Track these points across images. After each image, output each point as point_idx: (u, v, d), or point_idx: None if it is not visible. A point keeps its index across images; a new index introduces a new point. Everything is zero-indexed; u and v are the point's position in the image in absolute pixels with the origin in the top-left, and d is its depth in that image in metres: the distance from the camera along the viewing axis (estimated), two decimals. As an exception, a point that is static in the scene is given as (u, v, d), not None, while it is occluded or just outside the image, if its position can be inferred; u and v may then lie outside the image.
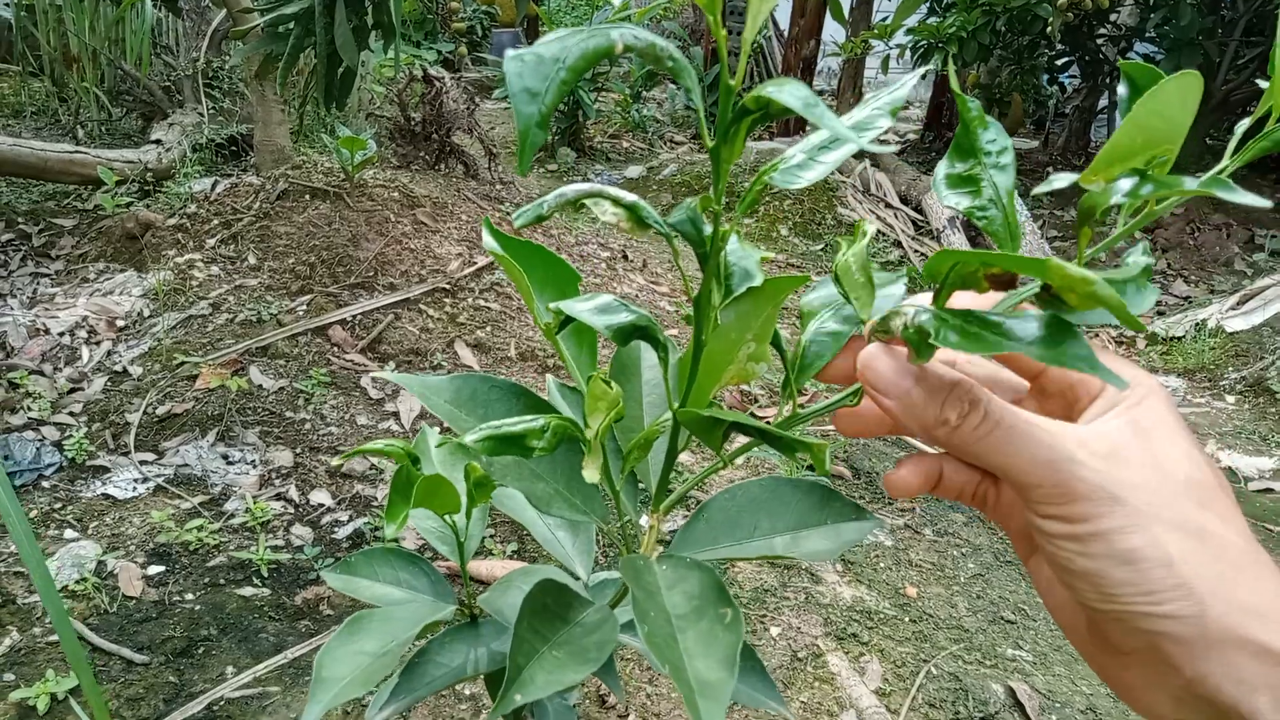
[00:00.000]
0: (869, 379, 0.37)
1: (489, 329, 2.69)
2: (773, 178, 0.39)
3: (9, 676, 1.47)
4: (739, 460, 2.31)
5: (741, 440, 0.50)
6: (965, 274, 0.37)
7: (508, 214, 3.48)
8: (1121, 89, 0.44)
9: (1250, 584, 0.32)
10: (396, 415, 2.30)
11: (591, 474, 0.50)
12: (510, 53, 0.30)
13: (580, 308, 0.46)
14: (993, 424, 0.34)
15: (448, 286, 2.81)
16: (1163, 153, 0.37)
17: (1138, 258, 0.38)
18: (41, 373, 2.31)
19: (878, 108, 0.37)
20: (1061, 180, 0.37)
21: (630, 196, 0.42)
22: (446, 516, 0.62)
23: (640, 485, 0.60)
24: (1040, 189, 0.37)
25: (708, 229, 0.42)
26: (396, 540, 1.87)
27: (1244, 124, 0.41)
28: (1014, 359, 0.39)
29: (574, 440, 0.50)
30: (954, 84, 0.44)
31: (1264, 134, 0.38)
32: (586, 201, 0.41)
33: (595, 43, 0.31)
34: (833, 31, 7.12)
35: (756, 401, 2.63)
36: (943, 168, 0.47)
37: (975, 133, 0.46)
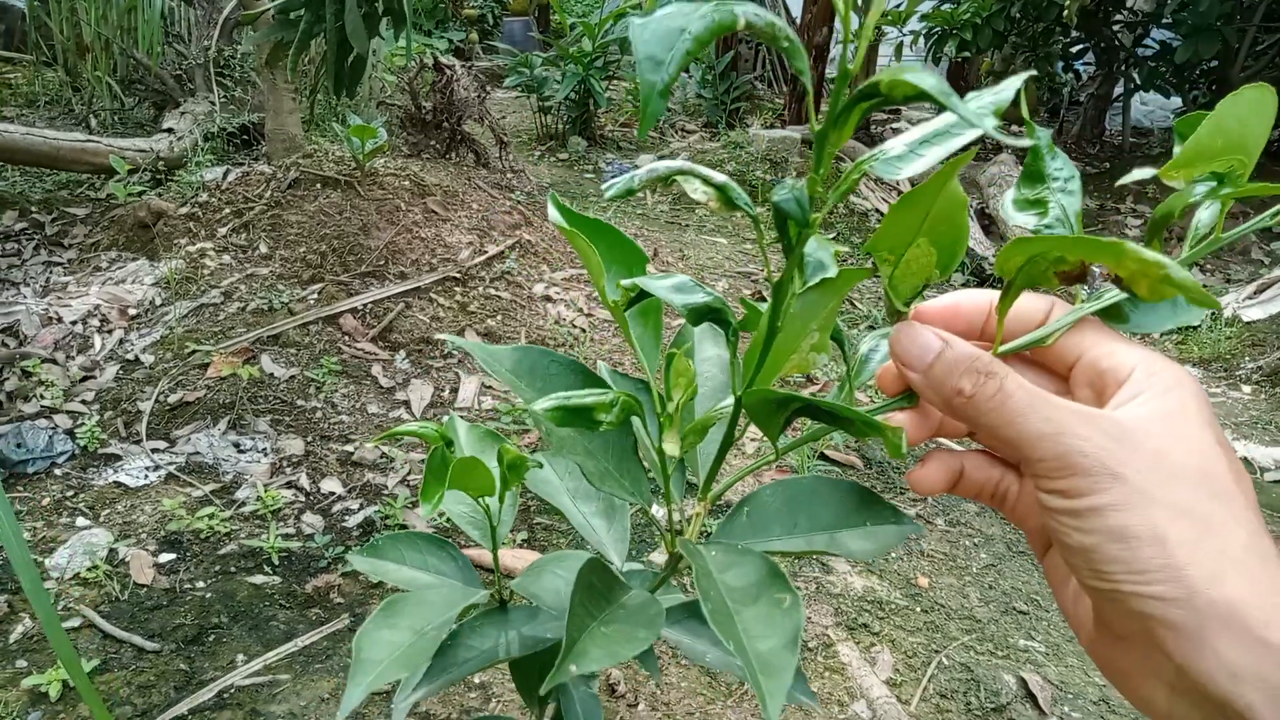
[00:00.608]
0: (897, 353, 0.39)
1: (500, 318, 2.69)
2: (873, 166, 0.40)
3: (21, 663, 1.48)
4: (749, 450, 2.30)
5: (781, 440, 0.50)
6: (1035, 272, 0.38)
7: (519, 203, 3.47)
8: (1178, 147, 0.45)
9: (1250, 576, 0.31)
10: (407, 404, 2.30)
11: (673, 447, 0.51)
12: (637, 21, 0.32)
13: (658, 284, 0.47)
14: (1005, 395, 0.35)
15: (458, 275, 2.80)
16: (1239, 165, 0.38)
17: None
18: (54, 361, 2.32)
19: (981, 106, 0.37)
20: (1141, 173, 0.38)
21: (720, 177, 0.43)
22: (479, 500, 0.62)
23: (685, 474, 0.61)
24: (1125, 180, 0.38)
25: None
26: (405, 528, 1.87)
27: None
28: (1048, 350, 0.40)
29: (629, 423, 0.51)
30: (1024, 112, 0.45)
31: None
32: (678, 178, 0.42)
33: (720, 16, 0.33)
34: (845, 18, 7.06)
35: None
36: (1012, 194, 0.48)
37: (1043, 161, 0.47)
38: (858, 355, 0.54)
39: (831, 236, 4.33)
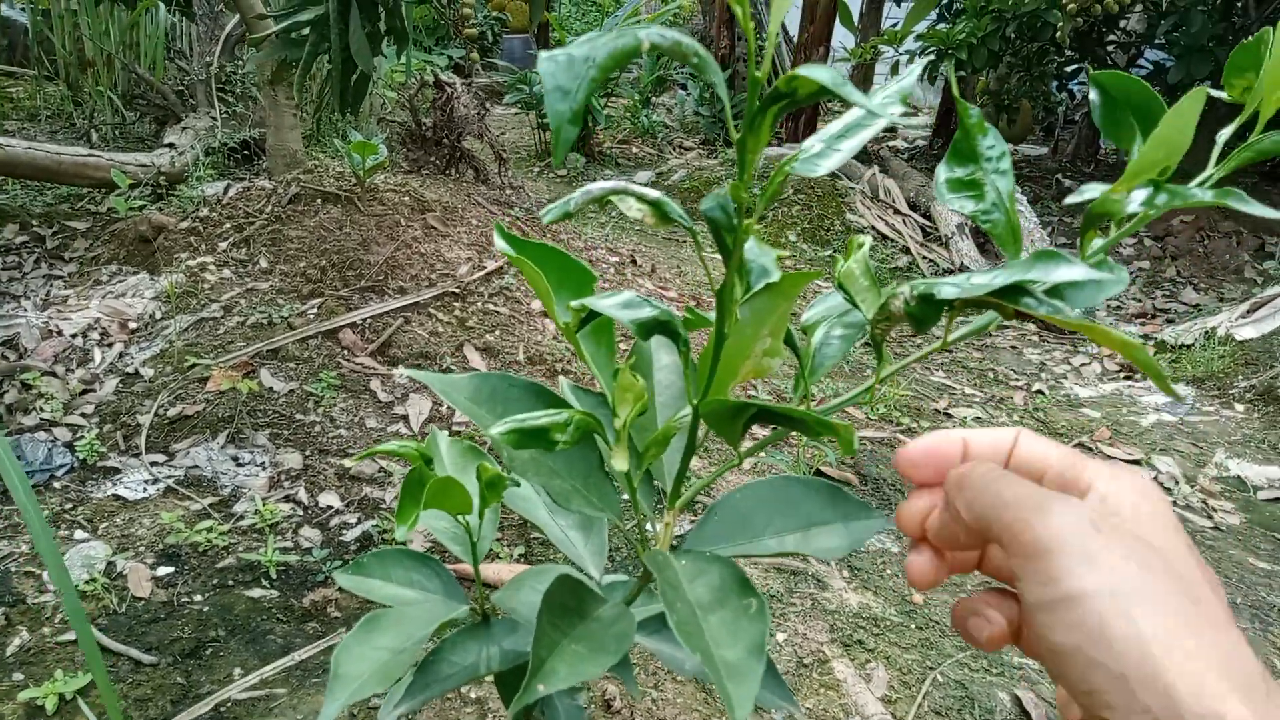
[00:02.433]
0: (903, 454, 0.44)
1: (498, 333, 2.71)
2: (793, 167, 0.41)
3: (18, 676, 1.48)
4: (744, 465, 2.31)
5: (751, 442, 0.51)
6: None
7: (517, 219, 3.49)
8: (1093, 95, 0.46)
9: (1238, 696, 0.30)
10: (405, 419, 2.31)
11: (621, 463, 0.51)
12: (544, 54, 0.32)
13: (605, 303, 0.48)
14: (999, 474, 0.38)
15: (457, 290, 2.82)
16: (1173, 164, 0.40)
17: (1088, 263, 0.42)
18: (54, 374, 2.33)
19: (888, 95, 0.39)
20: (1092, 190, 0.39)
21: (654, 193, 0.43)
22: (459, 517, 0.63)
23: (654, 484, 0.62)
24: (1072, 199, 0.40)
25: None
26: (403, 542, 1.88)
27: (1225, 132, 0.43)
28: (1017, 469, 0.41)
29: (591, 438, 0.51)
30: (954, 89, 0.46)
31: (1248, 144, 0.40)
32: (612, 198, 0.43)
33: (623, 43, 0.33)
34: (842, 38, 7.14)
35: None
36: (943, 172, 0.49)
37: (975, 138, 0.48)
38: (811, 352, 0.55)
39: (828, 255, 4.35)
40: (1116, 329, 0.39)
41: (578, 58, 0.33)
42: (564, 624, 0.52)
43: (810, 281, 0.43)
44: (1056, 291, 0.42)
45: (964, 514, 0.38)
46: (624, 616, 0.55)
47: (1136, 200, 0.41)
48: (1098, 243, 0.47)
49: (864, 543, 0.60)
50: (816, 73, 0.34)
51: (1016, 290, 0.41)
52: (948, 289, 0.43)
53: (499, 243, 0.58)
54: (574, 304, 0.51)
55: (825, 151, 0.42)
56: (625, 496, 0.59)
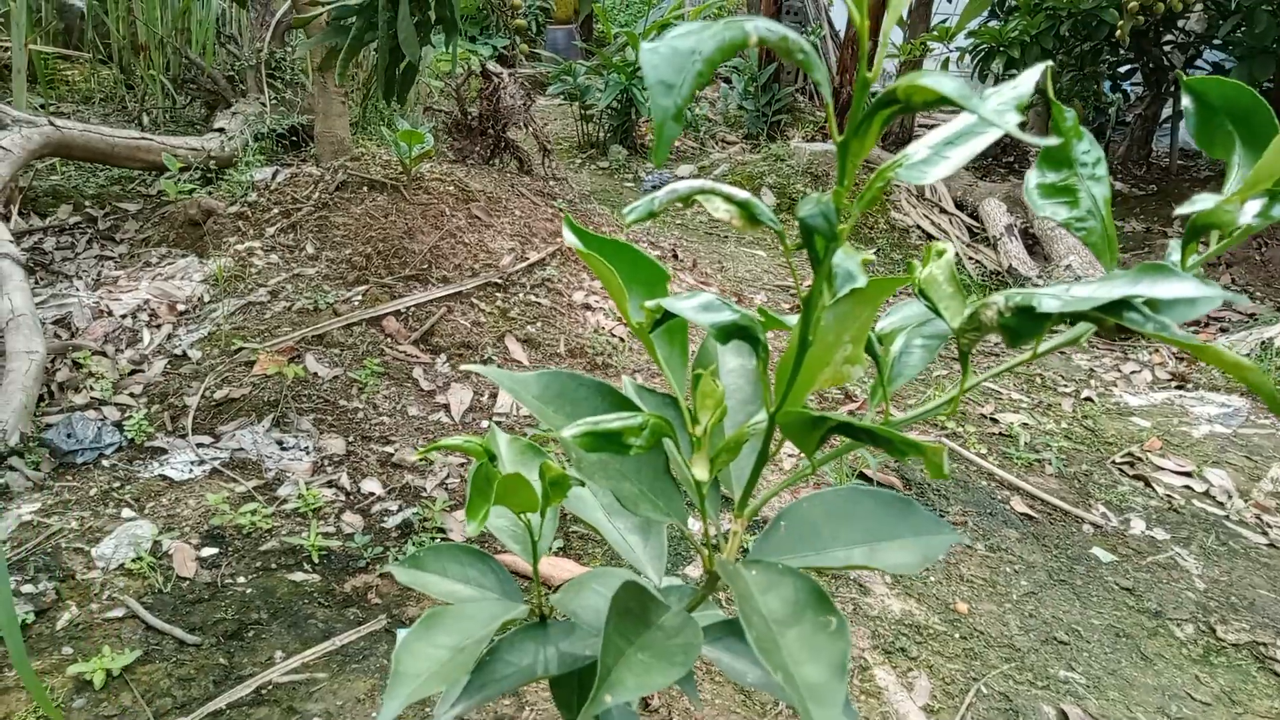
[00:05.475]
0: None
1: (539, 325, 2.70)
2: (898, 173, 0.39)
3: (67, 650, 1.50)
4: (783, 466, 2.29)
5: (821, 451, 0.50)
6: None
7: (561, 210, 3.48)
8: (1186, 102, 0.44)
9: None
10: (447, 408, 2.32)
11: (702, 472, 0.50)
12: (645, 45, 0.31)
13: (682, 305, 0.46)
14: None
15: (500, 281, 2.82)
16: None
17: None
18: (104, 354, 2.37)
19: (1003, 103, 0.36)
20: (1204, 201, 0.37)
21: (742, 194, 0.42)
22: (521, 515, 0.62)
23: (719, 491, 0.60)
24: (1183, 210, 0.37)
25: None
26: (443, 531, 1.88)
27: None
28: None
29: (661, 442, 0.50)
30: (1050, 91, 0.44)
31: None
32: (698, 197, 0.41)
33: (731, 35, 0.32)
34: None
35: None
36: (1034, 176, 0.47)
37: (1070, 143, 0.45)
38: (889, 361, 0.53)
39: (873, 252, 4.29)
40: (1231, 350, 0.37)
41: (683, 50, 0.31)
42: (630, 632, 0.51)
43: (899, 287, 0.41)
44: (1152, 305, 0.40)
45: None
46: (689, 625, 0.54)
47: (1250, 212, 0.38)
48: (1194, 258, 0.44)
49: (936, 559, 0.58)
50: (940, 82, 0.32)
51: (1120, 304, 0.39)
52: (1049, 302, 0.41)
53: (569, 237, 0.56)
54: (649, 304, 0.50)
55: (932, 158, 0.40)
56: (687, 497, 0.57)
